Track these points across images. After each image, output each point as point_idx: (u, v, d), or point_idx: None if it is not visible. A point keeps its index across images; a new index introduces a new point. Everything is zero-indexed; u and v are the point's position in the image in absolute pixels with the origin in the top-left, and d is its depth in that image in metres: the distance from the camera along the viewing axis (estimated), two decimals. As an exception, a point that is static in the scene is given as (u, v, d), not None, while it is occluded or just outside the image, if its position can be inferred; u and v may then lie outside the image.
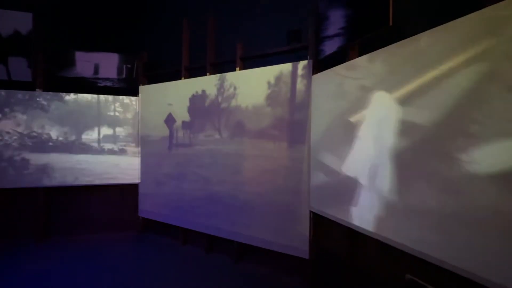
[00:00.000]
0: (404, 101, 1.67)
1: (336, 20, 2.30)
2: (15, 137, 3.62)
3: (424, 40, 1.57)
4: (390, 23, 1.80)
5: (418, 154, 1.58)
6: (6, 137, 3.59)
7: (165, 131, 3.75)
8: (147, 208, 3.94)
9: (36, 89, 3.72)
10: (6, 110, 3.59)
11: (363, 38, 2.04)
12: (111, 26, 4.30)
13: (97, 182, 3.88)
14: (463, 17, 1.38)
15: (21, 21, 3.65)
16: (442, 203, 1.45)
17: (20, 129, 3.64)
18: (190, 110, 3.52)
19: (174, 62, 3.77)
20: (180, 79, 3.67)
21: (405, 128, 1.66)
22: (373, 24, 1.92)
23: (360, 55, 2.08)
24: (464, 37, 1.37)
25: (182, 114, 3.60)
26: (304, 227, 2.62)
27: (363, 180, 1.97)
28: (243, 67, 3.17)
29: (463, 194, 1.35)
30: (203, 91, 3.40)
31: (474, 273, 1.29)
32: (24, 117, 3.65)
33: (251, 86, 3.00)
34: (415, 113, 1.60)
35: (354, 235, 2.16)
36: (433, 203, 1.49)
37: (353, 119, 2.08)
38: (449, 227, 1.41)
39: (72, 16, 4.13)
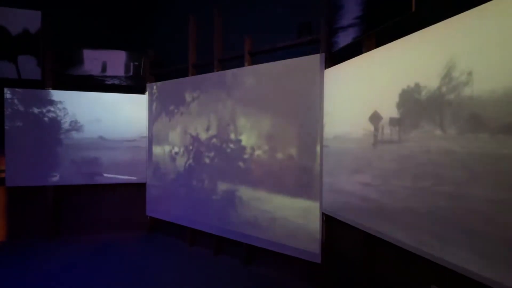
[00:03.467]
0: (427, 96, 1.51)
1: (350, 9, 2.14)
2: (26, 136, 3.63)
3: (451, 27, 1.40)
4: (413, 9, 1.63)
5: (447, 156, 1.42)
6: (19, 135, 3.61)
7: (173, 129, 3.68)
8: (155, 207, 3.89)
9: (45, 87, 3.73)
10: (17, 107, 3.60)
11: (382, 27, 1.88)
12: (118, 24, 4.27)
13: (106, 181, 3.86)
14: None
15: (30, 20, 3.65)
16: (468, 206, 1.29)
17: (31, 127, 3.65)
18: (198, 106, 3.43)
19: (181, 59, 3.69)
20: (187, 76, 3.59)
21: (428, 129, 1.50)
22: (393, 11, 1.76)
23: (378, 46, 1.92)
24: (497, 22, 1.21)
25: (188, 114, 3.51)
26: (316, 230, 2.49)
27: (380, 181, 1.82)
28: (252, 62, 3.06)
29: (497, 202, 1.19)
30: (210, 88, 3.30)
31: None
32: (34, 114, 3.65)
33: (258, 83, 2.87)
34: (443, 111, 1.44)
35: (371, 240, 2.02)
36: (459, 206, 1.33)
37: (370, 115, 1.92)
38: (481, 235, 1.25)
39: (80, 14, 4.12)
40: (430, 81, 1.51)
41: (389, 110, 1.77)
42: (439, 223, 1.45)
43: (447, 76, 1.43)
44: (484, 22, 1.28)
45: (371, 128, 1.91)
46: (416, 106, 1.60)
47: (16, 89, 3.59)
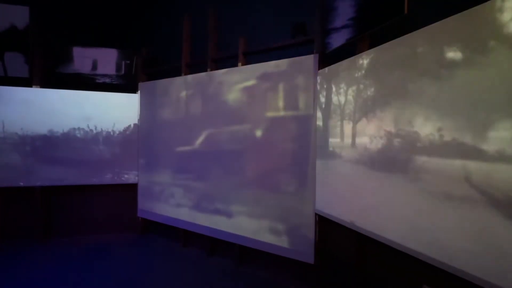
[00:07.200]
0: (419, 97, 1.53)
1: (344, 11, 2.15)
2: (14, 135, 3.53)
3: (443, 29, 1.42)
4: (406, 12, 1.65)
5: (446, 155, 1.44)
6: (5, 135, 3.50)
7: (164, 129, 3.63)
8: (146, 208, 3.83)
9: (33, 86, 3.63)
10: (3, 107, 3.49)
11: (375, 29, 1.90)
12: (109, 21, 4.19)
13: (96, 182, 3.78)
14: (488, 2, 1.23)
15: (17, 16, 3.55)
16: (460, 205, 1.31)
17: (19, 127, 3.54)
18: (191, 106, 3.39)
19: (175, 58, 3.65)
20: (181, 75, 3.55)
21: (417, 128, 1.52)
22: (386, 13, 1.78)
23: (371, 47, 1.94)
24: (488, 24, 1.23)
25: (182, 111, 3.47)
26: (309, 230, 2.49)
27: (373, 181, 1.84)
28: (246, 62, 3.05)
29: (487, 200, 1.21)
30: (203, 88, 3.27)
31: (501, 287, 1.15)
32: (21, 114, 3.55)
33: (252, 83, 2.86)
34: (435, 111, 1.46)
35: (364, 240, 2.03)
36: (451, 205, 1.35)
37: (362, 116, 1.94)
38: (473, 233, 1.27)
39: (70, 10, 4.02)
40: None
41: (381, 108, 1.79)
42: (433, 224, 1.46)
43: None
44: None
45: (364, 129, 1.92)
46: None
47: (3, 87, 3.48)
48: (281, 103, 2.67)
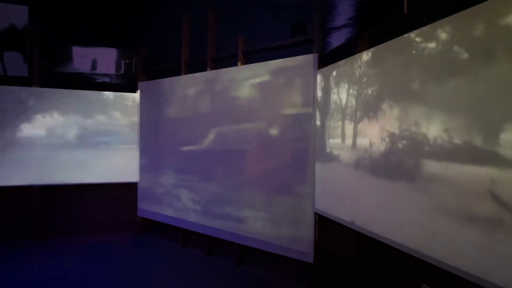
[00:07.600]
0: (418, 97, 1.53)
1: (344, 10, 2.15)
2: (12, 134, 3.52)
3: (442, 29, 1.42)
4: (405, 11, 1.65)
5: (442, 156, 1.44)
6: (4, 134, 3.50)
7: (164, 128, 3.63)
8: (146, 208, 3.83)
9: (33, 85, 3.62)
10: (2, 106, 3.49)
11: (374, 29, 1.90)
12: (109, 20, 4.18)
13: (95, 181, 3.78)
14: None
15: (16, 15, 3.54)
16: (459, 205, 1.31)
17: (17, 126, 3.54)
18: (191, 106, 3.39)
19: (174, 57, 3.65)
20: (180, 74, 3.55)
21: (421, 128, 1.52)
22: (385, 13, 1.78)
23: (370, 47, 1.94)
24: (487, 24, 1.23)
25: (181, 110, 3.47)
26: (309, 230, 2.49)
27: (371, 180, 1.84)
28: (245, 62, 3.04)
29: (484, 199, 1.21)
30: (202, 87, 3.27)
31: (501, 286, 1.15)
32: (20, 113, 3.54)
33: (251, 82, 2.86)
34: (432, 111, 1.46)
35: (363, 239, 2.03)
36: (450, 205, 1.35)
37: (362, 116, 1.94)
38: (470, 232, 1.27)
39: (69, 10, 4.01)
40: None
41: (381, 108, 1.79)
42: (434, 225, 1.47)
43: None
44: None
45: (364, 129, 1.92)
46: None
47: (2, 86, 3.48)
48: (280, 103, 2.67)
